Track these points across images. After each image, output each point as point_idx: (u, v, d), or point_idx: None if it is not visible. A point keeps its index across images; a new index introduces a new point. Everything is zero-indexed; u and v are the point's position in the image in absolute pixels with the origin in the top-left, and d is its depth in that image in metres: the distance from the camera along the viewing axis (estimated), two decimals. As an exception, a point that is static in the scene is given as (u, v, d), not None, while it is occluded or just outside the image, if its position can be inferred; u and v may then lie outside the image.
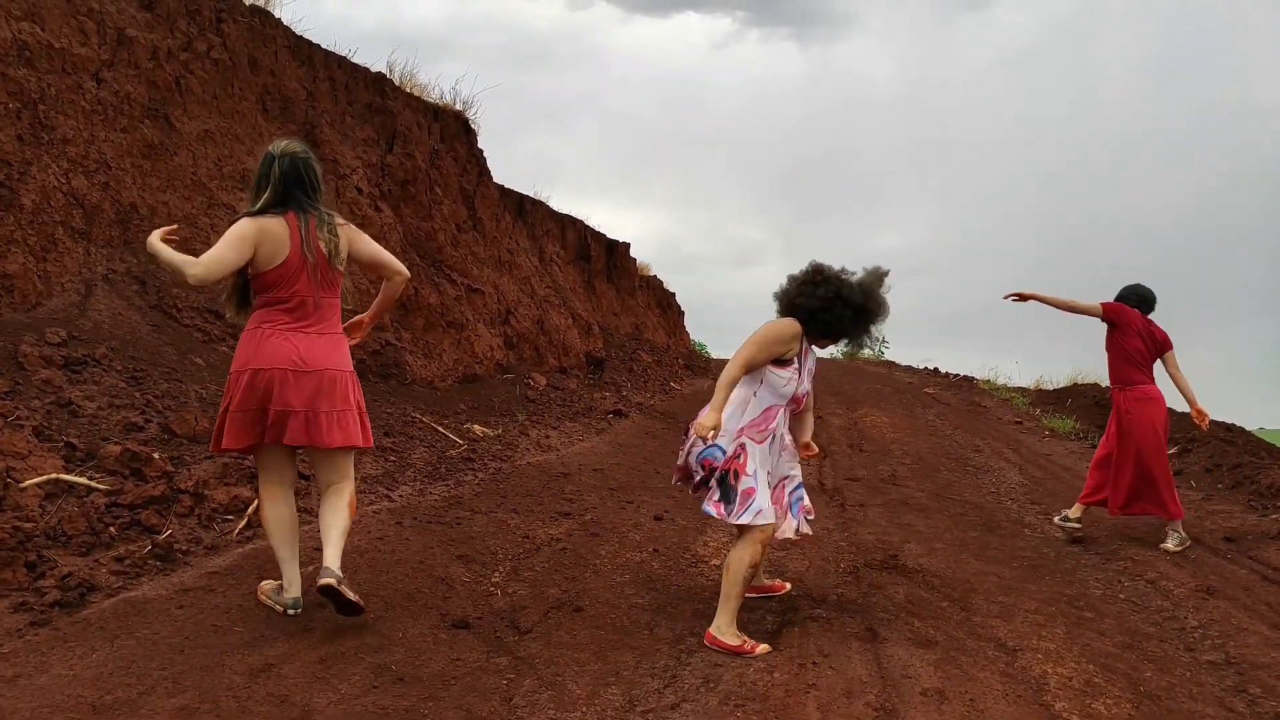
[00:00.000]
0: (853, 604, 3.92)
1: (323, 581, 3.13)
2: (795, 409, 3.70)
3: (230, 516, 4.21)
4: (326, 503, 3.39)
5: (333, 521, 3.33)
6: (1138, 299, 5.48)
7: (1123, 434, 5.33)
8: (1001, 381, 16.19)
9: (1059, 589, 4.41)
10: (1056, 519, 5.59)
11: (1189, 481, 7.21)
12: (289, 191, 3.25)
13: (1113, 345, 5.46)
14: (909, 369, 19.38)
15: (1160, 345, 5.41)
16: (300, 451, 3.51)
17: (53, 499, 3.83)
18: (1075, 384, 13.61)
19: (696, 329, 21.47)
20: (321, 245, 3.25)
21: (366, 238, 3.46)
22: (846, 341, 3.78)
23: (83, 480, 3.95)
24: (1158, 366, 5.47)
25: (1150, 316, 5.50)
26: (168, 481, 4.11)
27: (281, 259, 3.20)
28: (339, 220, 3.37)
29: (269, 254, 3.20)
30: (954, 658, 3.36)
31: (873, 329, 3.70)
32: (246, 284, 3.34)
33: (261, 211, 3.23)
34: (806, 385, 3.65)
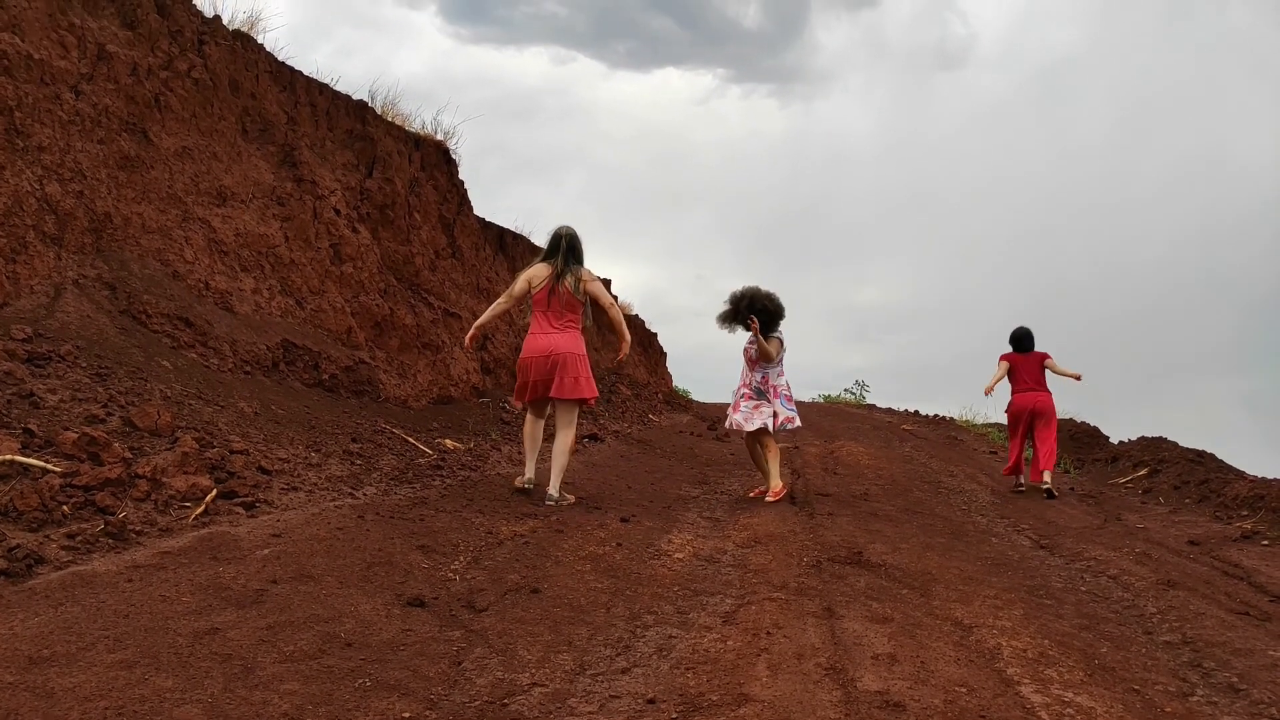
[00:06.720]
0: (813, 589, 3.91)
1: (547, 503, 5.50)
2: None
3: (188, 504, 4.17)
4: (555, 441, 5.82)
5: (553, 453, 5.83)
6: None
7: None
8: (980, 420, 16.27)
9: (1020, 581, 4.41)
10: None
11: (1158, 498, 7.24)
12: (555, 250, 5.85)
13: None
14: (889, 410, 19.45)
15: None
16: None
17: (6, 480, 3.80)
18: (1052, 419, 13.68)
19: (682, 379, 21.64)
20: (566, 283, 5.74)
21: (597, 283, 5.98)
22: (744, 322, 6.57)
23: (38, 463, 3.92)
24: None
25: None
26: (125, 466, 4.08)
27: (539, 286, 5.78)
28: (583, 272, 5.83)
29: (535, 283, 5.81)
30: (909, 631, 3.35)
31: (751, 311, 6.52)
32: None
33: (544, 259, 5.89)
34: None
